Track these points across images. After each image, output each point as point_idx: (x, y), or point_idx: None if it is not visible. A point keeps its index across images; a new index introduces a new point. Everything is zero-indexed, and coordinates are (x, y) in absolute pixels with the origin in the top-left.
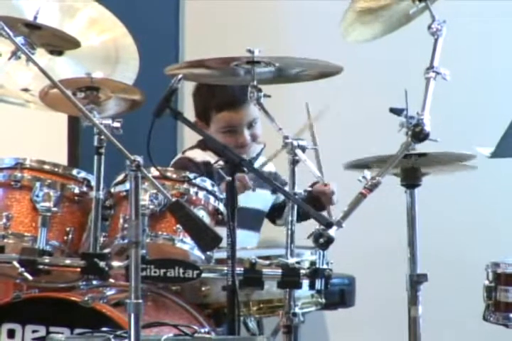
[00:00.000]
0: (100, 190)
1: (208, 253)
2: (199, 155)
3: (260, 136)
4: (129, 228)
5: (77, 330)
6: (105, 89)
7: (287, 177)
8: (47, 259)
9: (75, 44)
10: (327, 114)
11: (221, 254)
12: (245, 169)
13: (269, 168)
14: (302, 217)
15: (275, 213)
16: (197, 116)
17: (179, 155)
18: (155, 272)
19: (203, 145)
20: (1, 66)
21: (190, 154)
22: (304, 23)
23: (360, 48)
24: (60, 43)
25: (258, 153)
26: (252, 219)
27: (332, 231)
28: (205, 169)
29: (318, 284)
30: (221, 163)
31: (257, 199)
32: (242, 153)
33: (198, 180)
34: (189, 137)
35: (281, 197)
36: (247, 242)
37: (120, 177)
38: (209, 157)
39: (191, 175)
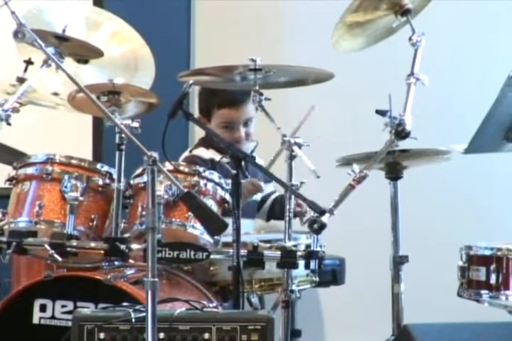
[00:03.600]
0: (121, 182)
1: (216, 237)
2: (205, 153)
3: (253, 134)
4: (146, 215)
5: (101, 305)
6: (125, 94)
7: (284, 171)
8: (74, 243)
9: (98, 54)
10: (320, 115)
11: (227, 238)
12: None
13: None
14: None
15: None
16: (200, 112)
17: (186, 154)
18: (169, 254)
19: (205, 144)
20: (34, 73)
21: (197, 152)
22: (300, 34)
23: (349, 57)
24: (85, 53)
25: (252, 151)
26: (250, 209)
27: (325, 218)
28: (211, 165)
29: (313, 264)
30: (225, 159)
31: None
32: None
33: (206, 173)
34: (198, 135)
35: (263, 194)
36: (246, 228)
37: (139, 171)
38: (212, 155)
39: (201, 169)
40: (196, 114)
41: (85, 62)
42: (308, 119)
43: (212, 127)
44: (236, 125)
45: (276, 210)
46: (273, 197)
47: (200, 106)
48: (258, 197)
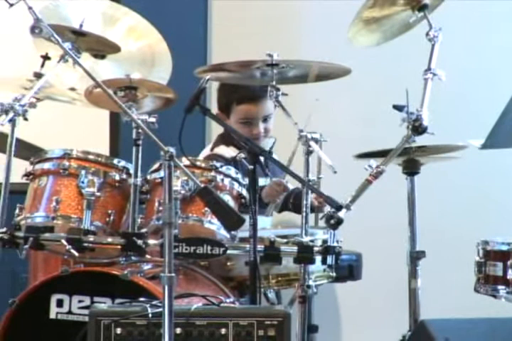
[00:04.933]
0: (138, 177)
1: (233, 232)
2: (226, 152)
3: (271, 130)
4: (163, 210)
5: (118, 300)
6: (142, 89)
7: (301, 166)
8: (91, 238)
9: (115, 49)
10: (337, 110)
11: (244, 233)
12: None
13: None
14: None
15: None
16: (219, 108)
17: (207, 152)
18: (186, 249)
19: (225, 140)
20: (51, 68)
21: (218, 151)
22: (318, 30)
23: (366, 52)
24: (102, 48)
25: (271, 147)
26: (267, 206)
27: (341, 214)
28: (233, 164)
29: (330, 260)
30: (242, 155)
31: None
32: None
33: (223, 169)
34: (215, 131)
35: None
36: (263, 225)
37: (155, 166)
38: (233, 152)
39: (218, 164)
40: (214, 109)
41: (102, 57)
42: (313, 112)
43: (231, 123)
44: (255, 121)
45: (289, 202)
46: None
47: (219, 102)
48: None
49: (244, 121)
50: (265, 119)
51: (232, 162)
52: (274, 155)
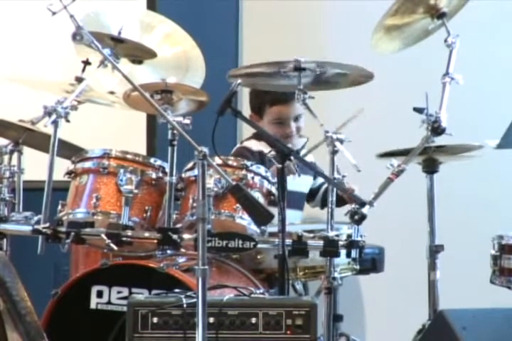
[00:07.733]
0: (173, 175)
1: (263, 227)
2: (254, 145)
3: (303, 129)
4: (197, 207)
5: (154, 291)
6: (177, 92)
7: (327, 165)
8: (129, 232)
9: (152, 55)
10: (362, 113)
11: (273, 228)
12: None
13: (310, 158)
14: (338, 203)
15: (309, 196)
16: (252, 110)
17: (238, 145)
18: (218, 243)
19: (258, 136)
20: (91, 73)
21: (247, 144)
22: (343, 36)
23: (388, 58)
24: (139, 54)
25: (302, 146)
26: (298, 200)
27: (365, 210)
28: (259, 157)
29: (354, 253)
30: (273, 152)
31: (301, 183)
32: (288, 142)
33: (254, 167)
34: (246, 132)
35: (316, 184)
36: (293, 219)
37: (190, 165)
38: (262, 147)
39: (248, 163)
40: (245, 111)
41: (139, 62)
42: (354, 119)
43: (264, 123)
44: (287, 121)
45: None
46: (325, 186)
47: (252, 104)
48: (306, 189)
49: (277, 121)
50: (296, 119)
51: (259, 155)
52: (309, 156)
